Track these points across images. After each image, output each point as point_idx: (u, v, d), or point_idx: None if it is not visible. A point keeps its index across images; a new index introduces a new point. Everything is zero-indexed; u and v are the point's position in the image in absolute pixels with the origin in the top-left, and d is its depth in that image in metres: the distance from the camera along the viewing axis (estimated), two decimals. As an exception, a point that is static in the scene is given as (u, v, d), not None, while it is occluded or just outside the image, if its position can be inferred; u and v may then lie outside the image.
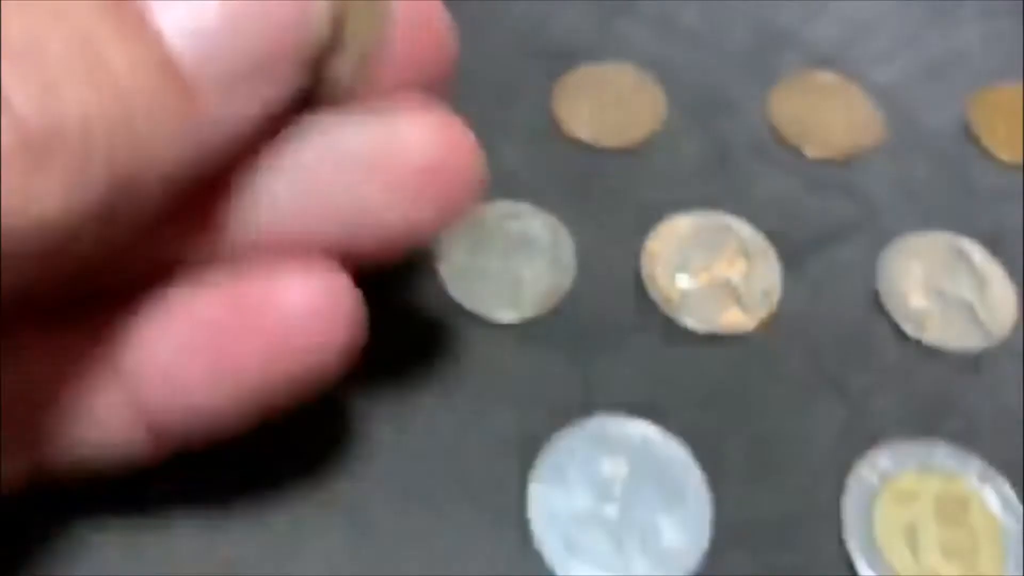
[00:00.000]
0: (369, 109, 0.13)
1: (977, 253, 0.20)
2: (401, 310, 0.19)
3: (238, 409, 0.14)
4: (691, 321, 0.19)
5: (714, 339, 0.19)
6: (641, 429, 0.18)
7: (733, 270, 0.20)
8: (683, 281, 0.19)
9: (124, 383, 0.13)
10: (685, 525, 0.17)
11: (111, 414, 0.14)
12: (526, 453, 0.17)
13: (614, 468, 0.17)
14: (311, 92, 0.13)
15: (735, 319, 0.19)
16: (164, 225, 0.13)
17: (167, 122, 0.11)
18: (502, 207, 0.20)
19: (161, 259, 0.13)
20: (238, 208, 0.13)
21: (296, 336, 0.13)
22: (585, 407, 0.18)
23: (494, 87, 0.22)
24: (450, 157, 0.13)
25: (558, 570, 0.16)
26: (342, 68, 0.13)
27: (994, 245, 0.20)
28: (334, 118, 0.13)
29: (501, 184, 0.21)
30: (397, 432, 0.17)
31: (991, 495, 0.17)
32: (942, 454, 0.18)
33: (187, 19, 0.11)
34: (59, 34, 0.10)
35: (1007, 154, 0.22)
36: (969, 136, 0.22)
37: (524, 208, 0.20)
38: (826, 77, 0.23)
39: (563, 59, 0.23)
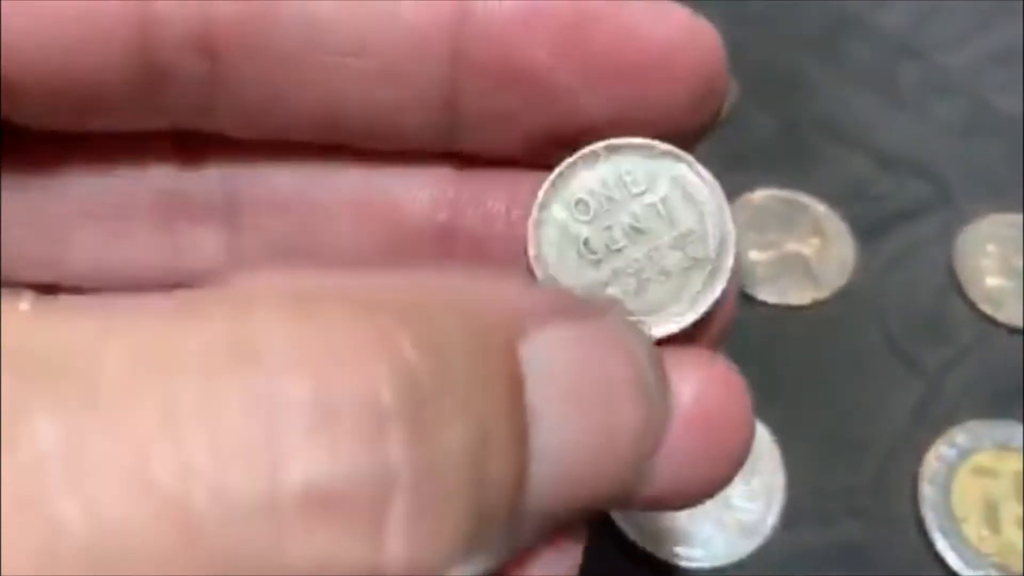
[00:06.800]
0: None
1: (1053, 234, 0.20)
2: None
3: None
4: (764, 294, 0.19)
5: (787, 311, 0.19)
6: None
7: (806, 246, 0.20)
8: (755, 255, 0.19)
9: None
10: (757, 495, 0.17)
11: None
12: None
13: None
14: None
15: (808, 293, 0.19)
16: None
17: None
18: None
19: None
20: None
21: None
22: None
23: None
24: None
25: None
26: None
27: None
28: None
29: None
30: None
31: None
32: (1021, 435, 0.17)
33: (560, 446, 0.09)
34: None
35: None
36: (1041, 120, 0.22)
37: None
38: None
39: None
